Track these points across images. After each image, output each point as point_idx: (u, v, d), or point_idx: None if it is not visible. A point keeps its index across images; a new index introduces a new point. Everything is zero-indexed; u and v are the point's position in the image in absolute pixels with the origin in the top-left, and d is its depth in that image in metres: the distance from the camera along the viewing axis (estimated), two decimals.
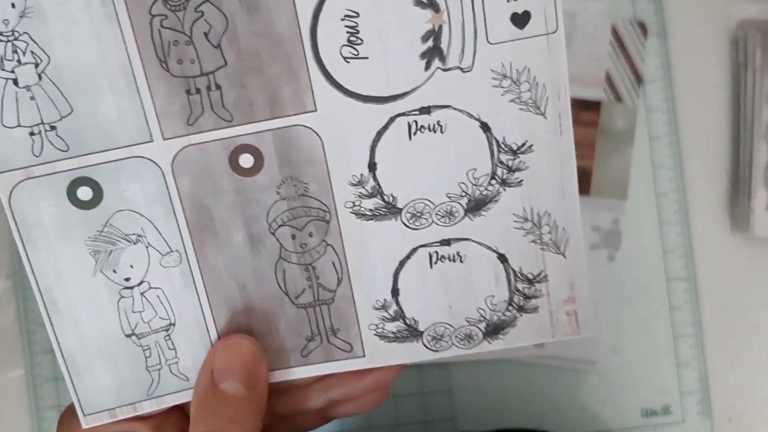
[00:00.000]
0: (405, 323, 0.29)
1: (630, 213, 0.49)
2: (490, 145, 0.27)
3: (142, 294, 0.29)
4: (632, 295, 0.48)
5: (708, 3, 0.49)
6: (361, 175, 0.28)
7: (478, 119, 0.27)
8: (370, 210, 0.28)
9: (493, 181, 0.28)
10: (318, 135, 0.27)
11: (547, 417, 0.47)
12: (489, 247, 0.29)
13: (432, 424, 0.49)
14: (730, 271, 0.47)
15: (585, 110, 0.49)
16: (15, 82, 0.26)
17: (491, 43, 0.26)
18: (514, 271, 0.29)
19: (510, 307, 0.29)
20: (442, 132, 0.27)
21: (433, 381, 0.49)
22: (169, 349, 0.29)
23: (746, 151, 0.48)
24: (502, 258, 0.29)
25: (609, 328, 0.48)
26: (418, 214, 0.28)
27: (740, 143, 0.49)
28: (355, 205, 0.28)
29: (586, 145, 0.49)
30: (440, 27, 0.26)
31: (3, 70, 0.26)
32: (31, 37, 0.26)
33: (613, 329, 0.48)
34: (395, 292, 0.29)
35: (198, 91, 0.27)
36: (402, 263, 0.29)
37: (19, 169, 0.27)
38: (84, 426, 0.30)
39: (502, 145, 0.27)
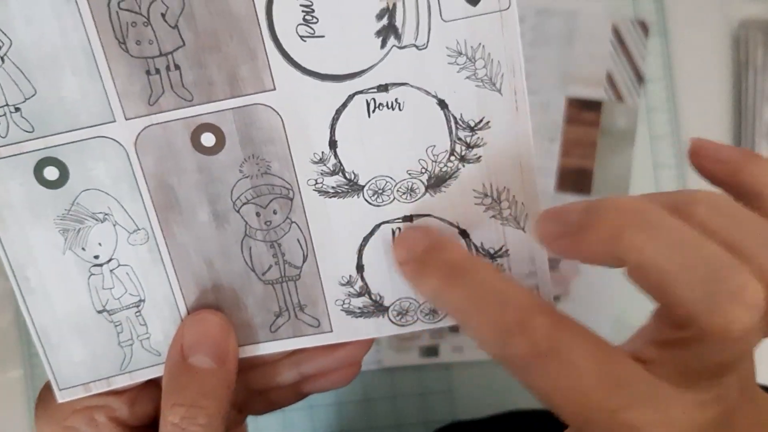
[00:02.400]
0: (371, 299, 0.30)
1: None
2: (448, 121, 0.28)
3: (111, 271, 0.29)
4: (633, 295, 0.48)
5: (709, 2, 0.49)
6: (322, 152, 0.28)
7: (435, 96, 0.27)
8: (333, 187, 0.29)
9: (452, 158, 0.28)
10: (278, 113, 0.28)
11: None
12: (450, 223, 0.29)
13: (432, 424, 0.50)
14: None
15: (586, 110, 0.49)
16: None
17: (445, 21, 0.27)
18: (476, 246, 0.29)
19: None
20: (400, 109, 0.28)
21: (433, 381, 0.50)
22: (140, 324, 0.30)
23: None
24: (464, 233, 0.29)
25: (609, 328, 0.49)
26: (380, 191, 0.29)
27: (741, 142, 0.49)
28: (317, 183, 0.29)
29: (587, 144, 0.49)
30: (394, 5, 0.27)
31: None
32: None
33: (614, 329, 0.48)
34: (360, 268, 0.30)
35: (158, 71, 0.27)
36: (366, 239, 0.29)
37: None
38: (59, 400, 0.30)
39: (460, 122, 0.28)
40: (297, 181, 0.29)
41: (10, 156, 0.28)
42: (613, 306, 0.48)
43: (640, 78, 0.48)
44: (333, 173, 0.29)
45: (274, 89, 0.27)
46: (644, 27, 0.49)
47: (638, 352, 0.24)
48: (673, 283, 0.22)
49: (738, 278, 0.21)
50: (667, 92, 0.48)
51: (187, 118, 0.28)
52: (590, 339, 0.22)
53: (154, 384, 0.32)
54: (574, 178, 0.49)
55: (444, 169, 0.28)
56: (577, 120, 0.48)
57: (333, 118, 0.28)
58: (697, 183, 0.48)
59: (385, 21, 0.27)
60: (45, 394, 0.32)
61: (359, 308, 0.30)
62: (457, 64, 0.27)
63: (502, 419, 0.46)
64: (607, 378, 0.22)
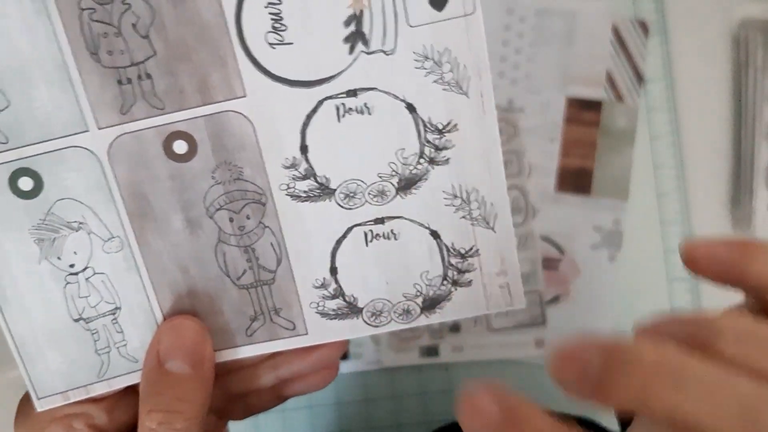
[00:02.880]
0: (345, 300, 0.30)
1: (631, 213, 0.49)
2: (417, 125, 0.28)
3: (87, 279, 0.30)
4: (633, 296, 0.48)
5: (709, 2, 0.49)
6: (294, 157, 0.29)
7: (403, 100, 0.28)
8: (305, 192, 0.29)
9: (422, 160, 0.29)
10: (249, 120, 0.28)
11: None
12: (421, 224, 0.29)
13: (432, 424, 0.50)
14: None
15: (586, 110, 0.49)
16: None
17: (412, 26, 0.27)
18: (446, 246, 0.30)
19: (445, 282, 0.30)
20: (369, 114, 0.28)
21: (433, 381, 0.50)
22: (117, 332, 0.30)
23: (748, 151, 0.48)
24: (435, 234, 0.30)
25: (609, 328, 0.49)
26: (352, 194, 0.29)
27: (742, 143, 0.49)
28: (289, 188, 0.29)
29: (587, 144, 0.49)
30: (361, 11, 0.27)
31: None
32: None
33: (614, 328, 0.48)
34: (333, 270, 0.30)
35: (129, 80, 0.28)
36: (339, 242, 0.30)
37: None
38: (38, 409, 0.31)
39: (428, 125, 0.28)
40: (269, 186, 0.29)
41: None
42: (613, 306, 0.49)
43: (640, 78, 0.49)
44: (305, 177, 0.29)
45: (245, 96, 0.28)
46: (644, 27, 0.49)
47: None
48: (711, 430, 0.21)
49: None
50: (667, 92, 0.49)
51: (159, 126, 0.28)
52: None
53: (132, 391, 0.32)
54: (574, 178, 0.49)
55: (414, 172, 0.29)
56: (577, 120, 0.49)
57: (303, 123, 0.28)
58: (696, 182, 0.49)
59: (353, 27, 0.27)
60: (24, 404, 0.32)
61: (333, 310, 0.31)
62: (424, 69, 0.28)
63: None
64: None
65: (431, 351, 0.50)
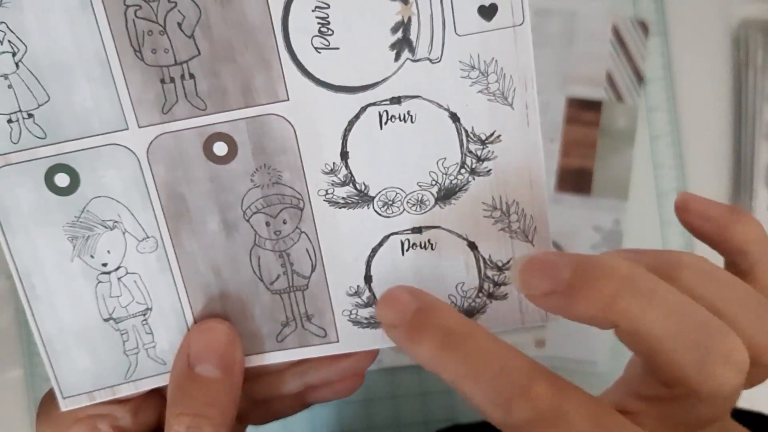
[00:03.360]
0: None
1: (631, 213, 0.49)
2: (459, 134, 0.28)
3: (119, 279, 0.29)
4: None
5: (709, 2, 0.49)
6: (334, 163, 0.28)
7: (447, 109, 0.28)
8: (343, 198, 0.29)
9: (463, 170, 0.28)
10: (291, 124, 0.28)
11: None
12: (459, 235, 0.29)
13: (432, 424, 0.50)
14: None
15: (586, 110, 0.49)
16: None
17: (459, 35, 0.27)
18: (483, 258, 0.29)
19: (480, 294, 0.30)
20: (412, 122, 0.28)
21: (433, 381, 0.50)
22: (147, 333, 0.30)
23: (747, 151, 0.49)
24: (472, 246, 0.29)
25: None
26: (390, 203, 0.29)
27: (741, 143, 0.49)
28: (328, 193, 0.29)
29: (587, 144, 0.49)
30: (409, 18, 0.27)
31: None
32: (8, 27, 0.27)
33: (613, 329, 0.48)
34: (368, 278, 0.30)
35: (172, 80, 0.27)
36: (375, 250, 0.29)
37: None
38: (63, 409, 0.30)
39: (471, 135, 0.28)
40: (308, 191, 0.29)
41: (21, 162, 0.28)
42: None
43: (640, 78, 0.49)
44: (344, 184, 0.29)
45: (288, 100, 0.28)
46: (644, 27, 0.49)
47: (625, 404, 0.26)
48: (666, 348, 0.23)
49: (727, 342, 0.23)
50: (667, 92, 0.49)
51: (200, 127, 0.28)
52: (587, 401, 0.23)
53: (157, 393, 0.32)
54: (574, 178, 0.49)
55: (454, 182, 0.29)
56: (577, 120, 0.49)
57: (345, 129, 0.28)
58: (696, 182, 0.49)
59: (399, 34, 0.27)
60: (47, 402, 0.31)
61: (366, 319, 0.30)
62: (470, 78, 0.27)
63: None
64: None
65: None
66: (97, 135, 0.28)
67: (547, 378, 0.23)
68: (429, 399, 0.50)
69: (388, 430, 0.50)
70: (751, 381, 0.25)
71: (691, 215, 0.29)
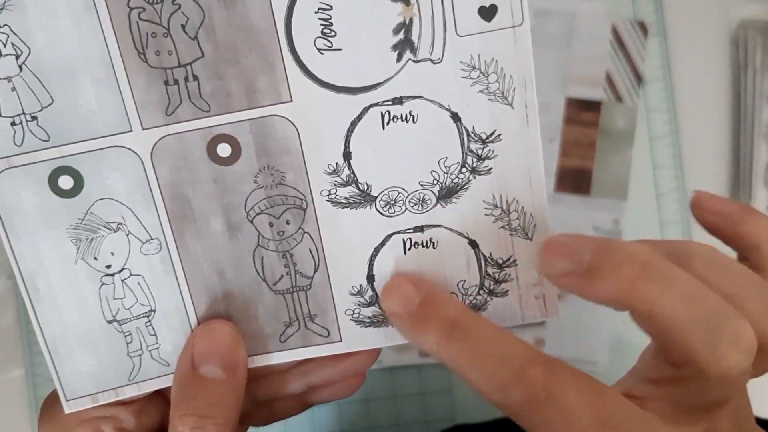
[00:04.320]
0: (380, 308, 0.30)
1: (630, 213, 0.49)
2: (460, 134, 0.28)
3: (123, 281, 0.29)
4: None
5: (708, 3, 0.50)
6: (336, 164, 0.29)
7: (448, 109, 0.28)
8: (346, 198, 0.29)
9: (464, 170, 0.29)
10: (294, 125, 0.28)
11: None
12: (460, 234, 0.29)
13: (432, 424, 0.50)
14: None
15: (585, 110, 0.49)
16: None
17: (460, 36, 0.27)
18: (484, 256, 0.30)
19: (481, 291, 0.30)
20: (414, 122, 0.28)
21: (433, 381, 0.50)
22: (150, 335, 0.30)
23: (746, 151, 0.49)
24: (473, 244, 0.30)
25: (609, 327, 0.49)
26: (392, 202, 0.29)
27: (740, 143, 0.49)
28: (330, 194, 0.29)
29: (586, 145, 0.49)
30: (411, 20, 0.27)
31: None
32: (11, 29, 0.27)
33: (613, 329, 0.49)
34: (371, 278, 0.30)
35: (176, 81, 0.27)
36: (377, 250, 0.30)
37: (1, 158, 0.28)
38: (66, 411, 0.30)
39: (472, 135, 0.28)
40: (311, 191, 0.29)
41: (24, 164, 0.28)
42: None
43: (639, 78, 0.49)
44: (346, 184, 0.29)
45: (291, 101, 0.28)
46: (643, 27, 0.50)
47: (631, 389, 0.27)
48: (680, 331, 0.24)
49: (737, 327, 0.24)
50: (666, 93, 0.49)
51: (204, 128, 0.28)
52: (584, 383, 0.24)
53: (160, 394, 0.32)
54: (574, 178, 0.49)
55: (455, 181, 0.29)
56: (577, 120, 0.49)
57: (348, 129, 0.28)
58: (696, 182, 0.49)
59: (401, 35, 0.27)
60: (50, 404, 0.31)
61: (369, 318, 0.30)
62: (471, 78, 0.28)
63: (504, 423, 0.46)
64: (603, 418, 0.24)
65: None
66: (101, 137, 0.28)
67: (544, 363, 0.24)
68: (429, 399, 0.50)
69: (388, 430, 0.50)
70: (759, 368, 0.26)
71: (705, 212, 0.30)
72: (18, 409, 0.49)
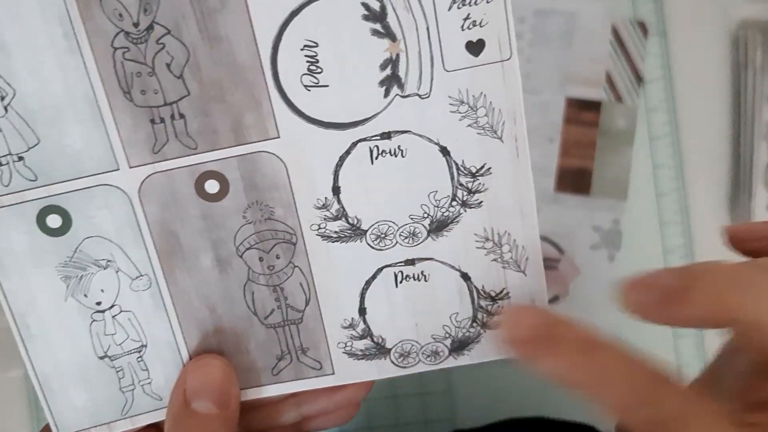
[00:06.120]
0: (373, 341, 0.30)
1: (630, 213, 0.49)
2: (450, 168, 0.28)
3: (113, 317, 0.29)
4: None
5: (708, 3, 0.49)
6: (326, 198, 0.29)
7: (437, 143, 0.28)
8: (336, 232, 0.29)
9: (454, 203, 0.29)
10: (282, 161, 0.28)
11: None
12: (452, 266, 0.29)
13: (432, 424, 0.50)
14: None
15: (585, 110, 0.49)
16: None
17: (448, 71, 0.27)
18: (476, 288, 0.29)
19: (474, 324, 0.30)
20: (403, 156, 0.28)
21: (433, 381, 0.50)
22: (142, 370, 0.30)
23: (746, 151, 0.49)
24: (465, 276, 0.29)
25: (609, 327, 0.49)
26: (383, 236, 0.29)
27: (740, 143, 0.49)
28: (320, 228, 0.29)
29: (586, 145, 0.49)
30: (398, 55, 0.27)
31: None
32: None
33: (613, 329, 0.48)
34: (362, 311, 0.30)
35: (162, 120, 0.27)
36: (368, 283, 0.30)
37: None
38: None
39: (462, 168, 0.28)
40: (300, 226, 0.29)
41: (12, 204, 0.28)
42: (613, 306, 0.49)
43: (639, 78, 0.49)
44: (336, 218, 0.29)
45: (278, 137, 0.28)
46: (643, 27, 0.49)
47: (747, 417, 0.25)
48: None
49: None
50: (666, 93, 0.49)
51: (191, 165, 0.28)
52: (710, 409, 0.23)
53: (154, 428, 0.32)
54: (574, 178, 0.49)
55: (446, 214, 0.29)
56: (577, 120, 0.49)
57: (336, 164, 0.28)
58: (696, 182, 0.49)
59: (388, 71, 0.27)
60: None
61: (361, 350, 0.30)
62: (459, 113, 0.27)
63: (502, 427, 0.46)
64: None
65: None
66: (88, 176, 0.28)
67: (673, 385, 0.24)
68: (429, 399, 0.50)
69: (388, 430, 0.50)
70: None
71: (744, 243, 0.29)
72: (18, 409, 0.49)
